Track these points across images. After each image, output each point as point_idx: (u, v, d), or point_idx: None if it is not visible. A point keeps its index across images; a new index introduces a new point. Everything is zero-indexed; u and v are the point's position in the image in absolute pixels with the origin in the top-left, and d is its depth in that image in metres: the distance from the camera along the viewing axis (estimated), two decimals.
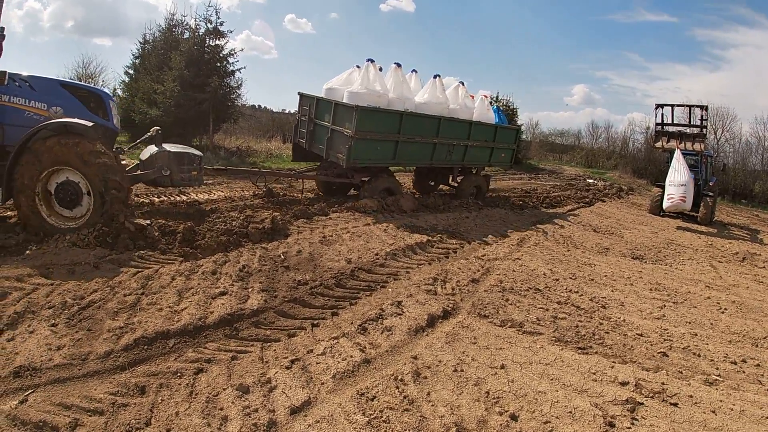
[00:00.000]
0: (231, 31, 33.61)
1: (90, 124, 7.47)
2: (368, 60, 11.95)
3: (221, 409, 3.56)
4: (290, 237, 8.16)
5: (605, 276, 8.26)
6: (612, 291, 7.50)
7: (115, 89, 26.95)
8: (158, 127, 10.02)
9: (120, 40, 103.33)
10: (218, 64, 22.79)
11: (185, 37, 23.82)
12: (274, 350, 4.54)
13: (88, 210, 7.32)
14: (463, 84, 14.53)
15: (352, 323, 5.22)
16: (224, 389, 3.80)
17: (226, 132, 27.82)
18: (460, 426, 3.52)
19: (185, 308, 5.08)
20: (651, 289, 7.75)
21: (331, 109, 11.99)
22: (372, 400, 3.81)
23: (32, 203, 7.16)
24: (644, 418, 3.99)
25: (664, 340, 5.79)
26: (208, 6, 27.54)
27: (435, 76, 13.48)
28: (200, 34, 22.82)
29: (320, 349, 4.51)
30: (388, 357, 4.57)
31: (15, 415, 3.32)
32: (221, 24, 22.60)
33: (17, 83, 7.46)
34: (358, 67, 12.56)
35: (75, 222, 7.32)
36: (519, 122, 36.15)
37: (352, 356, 4.45)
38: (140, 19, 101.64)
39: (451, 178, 15.77)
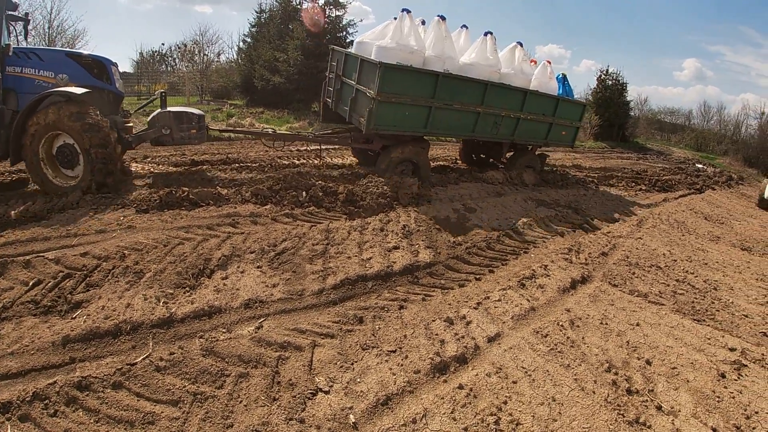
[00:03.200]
0: (350, 2, 35.39)
1: (81, 91, 8.54)
2: (403, 10, 10.82)
3: (436, 334, 4.71)
4: (433, 203, 9.23)
5: (717, 262, 8.86)
6: (723, 276, 8.16)
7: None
8: (163, 90, 11.63)
9: (221, 7, 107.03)
10: (338, 34, 24.95)
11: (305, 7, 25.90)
12: (453, 296, 5.67)
13: (83, 168, 8.48)
14: (521, 45, 12.96)
15: (509, 279, 6.31)
16: (433, 320, 4.95)
17: None
18: (610, 363, 4.59)
19: (370, 258, 6.25)
20: (757, 279, 8.34)
21: (357, 66, 11.14)
22: (545, 336, 4.93)
23: (39, 166, 8.46)
24: (747, 376, 4.84)
25: (767, 323, 6.48)
26: None
27: (486, 34, 12.19)
28: (320, 4, 24.90)
29: (495, 297, 5.62)
30: (547, 308, 5.65)
31: (259, 337, 4.38)
32: None
33: (27, 55, 9.00)
34: (395, 19, 11.20)
35: (75, 180, 8.50)
36: (628, 98, 36.68)
37: (521, 304, 5.55)
38: None
39: (500, 154, 14.28)
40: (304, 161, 13.01)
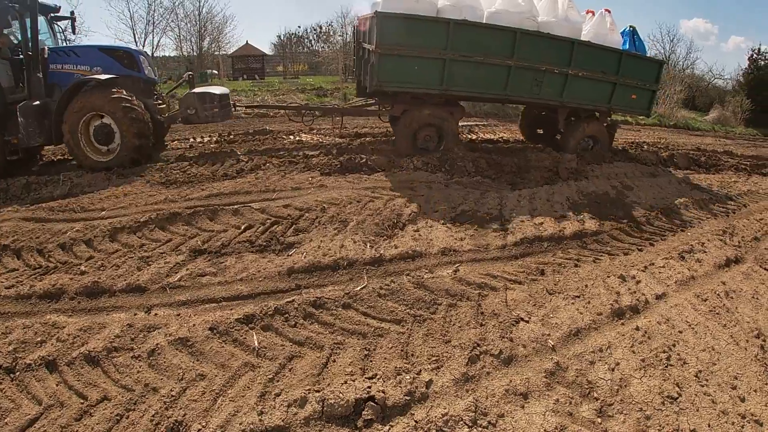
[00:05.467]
0: None
1: (102, 77, 10.23)
2: None
3: (611, 287, 5.47)
4: (590, 179, 9.83)
5: None
6: None
7: None
8: (190, 72, 13.09)
9: None
10: None
11: None
12: (620, 260, 6.37)
13: (118, 144, 10.18)
14: None
15: (669, 252, 6.91)
16: (607, 277, 5.72)
17: None
18: (759, 331, 5.06)
19: (542, 222, 7.09)
20: None
21: (367, 26, 11.10)
22: (704, 300, 5.51)
23: (78, 144, 10.16)
24: None
25: None
26: None
27: None
28: None
29: (659, 264, 6.28)
30: (705, 278, 6.21)
31: (459, 278, 5.34)
32: None
33: (66, 53, 10.80)
34: None
35: (112, 155, 10.21)
36: None
37: (682, 272, 6.16)
38: None
39: (555, 122, 12.50)
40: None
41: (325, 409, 3.45)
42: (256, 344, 4.19)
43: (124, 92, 10.12)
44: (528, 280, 5.52)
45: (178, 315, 4.76)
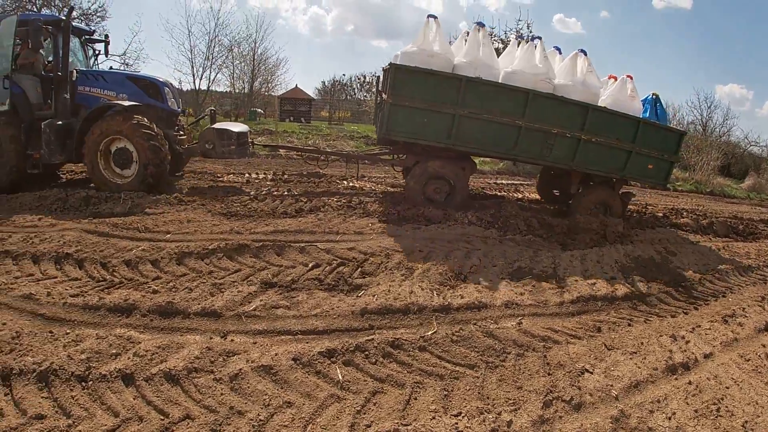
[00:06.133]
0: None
1: (127, 104, 11.00)
2: (429, 16, 10.80)
3: (664, 345, 5.79)
4: (634, 243, 10.18)
5: None
6: None
7: None
8: (213, 108, 13.71)
9: (396, 42, 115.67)
10: None
11: None
12: (668, 322, 6.70)
13: (135, 168, 10.91)
14: (584, 54, 11.42)
15: (713, 315, 7.23)
16: (659, 336, 6.06)
17: None
18: None
19: (594, 283, 7.44)
20: None
21: (384, 77, 11.49)
22: (747, 360, 5.78)
23: (96, 166, 10.90)
24: None
25: None
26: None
27: (533, 38, 11.46)
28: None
29: (705, 326, 6.58)
30: (747, 341, 6.45)
31: (523, 329, 5.72)
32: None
33: (95, 77, 11.72)
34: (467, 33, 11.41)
35: (129, 179, 10.91)
36: None
37: (726, 334, 6.43)
38: (414, 22, 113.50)
39: (568, 185, 12.53)
40: (504, 193, 14.69)
41: None
42: (340, 377, 4.51)
43: (146, 120, 10.74)
44: (587, 336, 5.87)
45: (255, 343, 5.10)
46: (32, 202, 10.03)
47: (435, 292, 6.41)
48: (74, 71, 11.57)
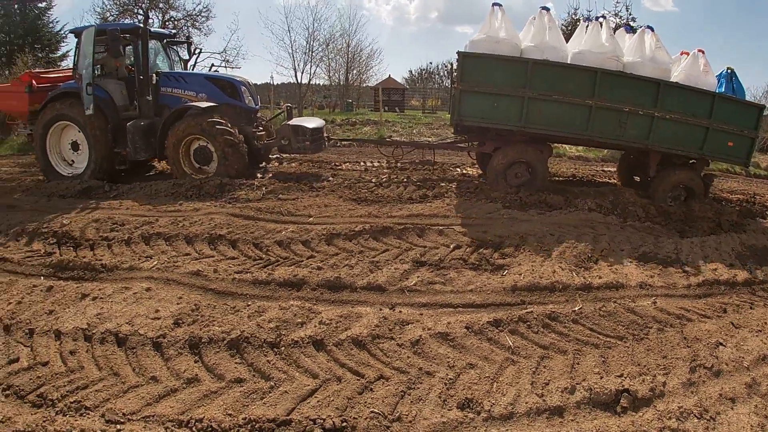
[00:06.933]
0: None
1: (204, 105, 12.07)
2: (494, 5, 11.21)
3: None
4: (747, 233, 10.19)
5: None
6: None
7: None
8: (289, 104, 15.52)
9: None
10: None
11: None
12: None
13: (215, 165, 12.08)
14: (652, 30, 11.35)
15: None
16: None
17: None
18: None
19: (716, 268, 7.86)
20: None
21: (457, 64, 11.74)
22: None
23: (179, 163, 12.20)
24: None
25: None
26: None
27: (597, 17, 11.48)
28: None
29: None
30: None
31: (659, 307, 6.32)
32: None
33: (176, 78, 12.91)
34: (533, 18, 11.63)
35: (207, 175, 11.99)
36: None
37: None
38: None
39: (647, 167, 12.24)
40: (615, 180, 15.05)
41: (591, 396, 4.48)
42: (511, 343, 5.32)
43: (222, 119, 11.85)
44: (715, 316, 6.47)
45: (421, 314, 5.94)
46: (167, 189, 11.23)
47: (574, 272, 7.17)
48: (155, 74, 12.86)
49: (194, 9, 38.82)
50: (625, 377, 4.83)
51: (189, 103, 12.50)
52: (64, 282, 6.95)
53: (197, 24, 39.36)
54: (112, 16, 36.17)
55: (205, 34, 48.02)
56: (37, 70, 18.39)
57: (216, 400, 4.28)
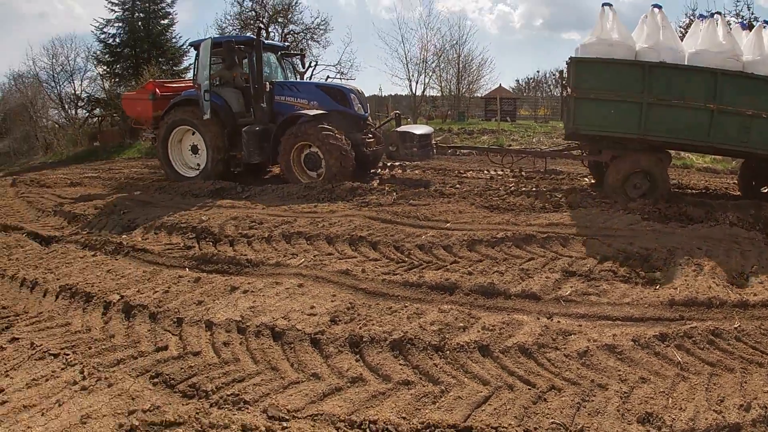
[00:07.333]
0: None
1: (313, 113, 12.86)
2: (604, 5, 10.82)
3: None
4: None
5: None
6: None
7: None
8: (398, 111, 16.74)
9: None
10: None
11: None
12: None
13: (324, 170, 12.68)
14: None
15: None
16: None
17: None
18: None
19: None
20: None
21: (569, 71, 11.48)
22: None
23: (290, 168, 13.05)
24: None
25: None
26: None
27: (713, 14, 10.82)
28: None
29: None
30: None
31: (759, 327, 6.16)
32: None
33: (289, 87, 13.96)
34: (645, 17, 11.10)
35: (317, 179, 12.74)
36: None
37: None
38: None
39: None
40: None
41: (767, 414, 4.55)
42: (679, 359, 5.46)
43: (331, 126, 12.46)
44: None
45: (580, 325, 6.08)
46: (299, 191, 12.09)
47: (728, 289, 7.18)
48: (268, 83, 13.81)
49: (312, 22, 41.95)
50: None
51: (301, 110, 13.37)
52: (210, 275, 7.44)
53: (315, 37, 42.46)
54: (235, 29, 39.44)
55: (323, 47, 50.16)
56: (160, 80, 20.33)
57: (385, 401, 4.37)
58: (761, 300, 6.89)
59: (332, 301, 6.28)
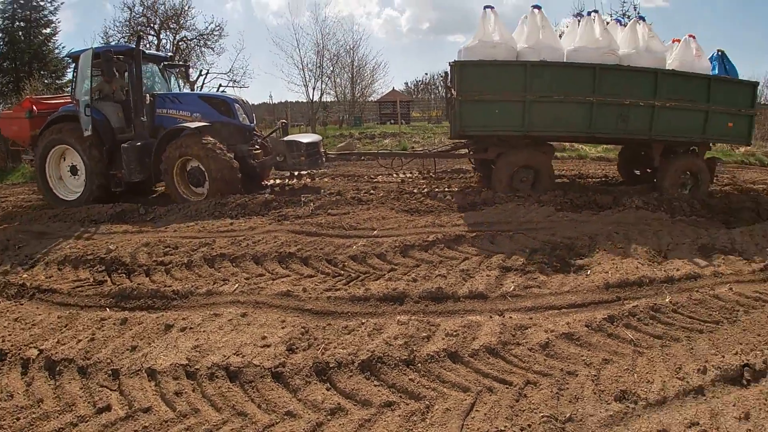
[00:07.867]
0: None
1: (195, 125, 12.38)
2: (486, 7, 11.19)
3: None
4: None
5: None
6: None
7: None
8: (284, 120, 16.50)
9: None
10: None
11: None
12: None
13: (207, 187, 12.25)
14: (643, 20, 11.88)
15: None
16: None
17: None
18: None
19: None
20: None
21: (452, 73, 11.89)
22: None
23: (173, 184, 12.52)
24: None
25: None
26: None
27: (589, 13, 11.55)
28: None
29: None
30: None
31: (738, 292, 6.87)
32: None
33: (171, 99, 13.37)
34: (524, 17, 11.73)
35: (202, 197, 12.23)
36: None
37: None
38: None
39: (650, 159, 12.67)
40: None
41: (722, 373, 5.05)
42: (631, 337, 6.00)
43: (212, 139, 12.20)
44: None
45: (531, 318, 6.43)
46: (209, 208, 11.56)
47: (653, 268, 7.86)
48: (149, 95, 13.35)
49: (206, 28, 40.93)
50: (740, 354, 5.43)
51: (183, 123, 12.80)
52: (135, 313, 6.73)
53: (209, 43, 41.54)
54: (124, 37, 37.44)
55: (217, 54, 53.49)
56: (39, 96, 18.78)
57: (375, 428, 4.15)
58: (684, 274, 7.61)
59: (283, 328, 5.85)
